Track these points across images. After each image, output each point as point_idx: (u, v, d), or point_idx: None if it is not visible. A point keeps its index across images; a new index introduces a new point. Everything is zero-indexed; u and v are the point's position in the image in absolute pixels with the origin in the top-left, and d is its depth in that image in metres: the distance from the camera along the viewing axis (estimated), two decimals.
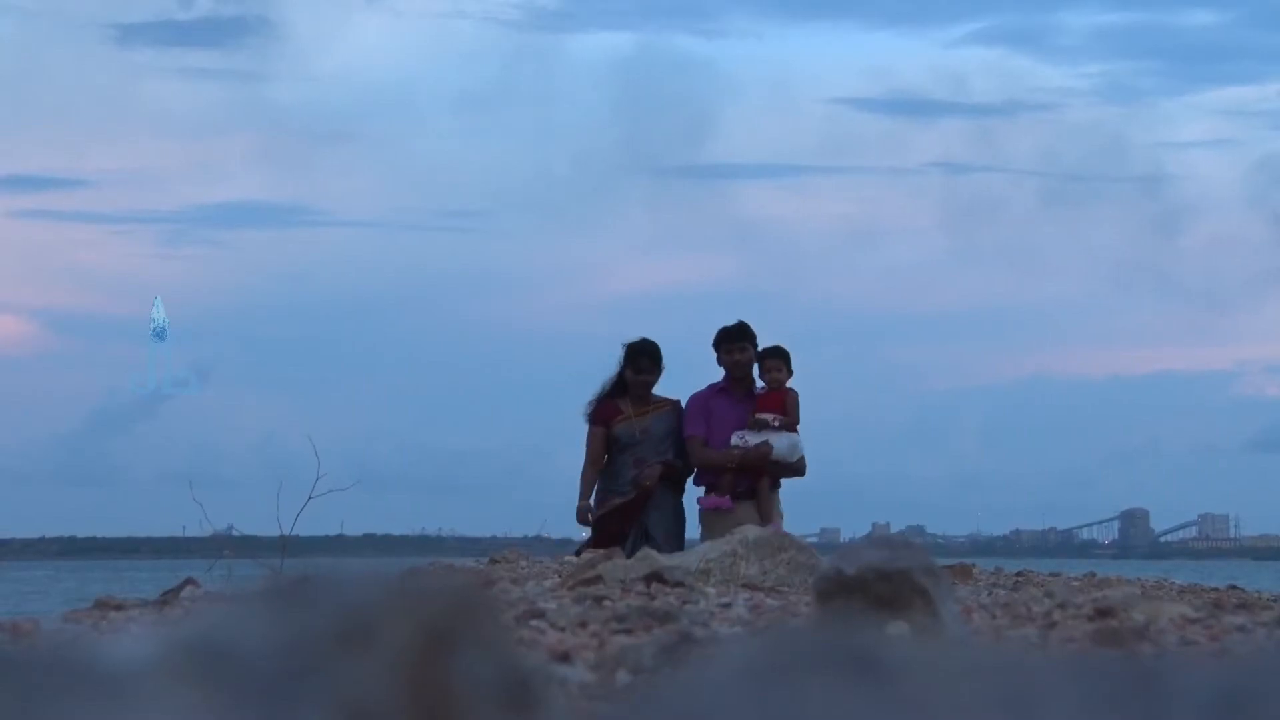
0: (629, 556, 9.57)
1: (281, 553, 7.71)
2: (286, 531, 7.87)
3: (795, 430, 10.91)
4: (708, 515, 10.68)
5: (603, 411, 11.26)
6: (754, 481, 10.80)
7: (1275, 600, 5.00)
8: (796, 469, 11.01)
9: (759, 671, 0.96)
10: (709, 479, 10.85)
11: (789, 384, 11.04)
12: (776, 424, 10.75)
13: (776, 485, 10.96)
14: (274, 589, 0.95)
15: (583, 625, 3.23)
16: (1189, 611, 3.56)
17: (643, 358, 11.08)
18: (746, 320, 11.38)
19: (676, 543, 10.64)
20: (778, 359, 10.91)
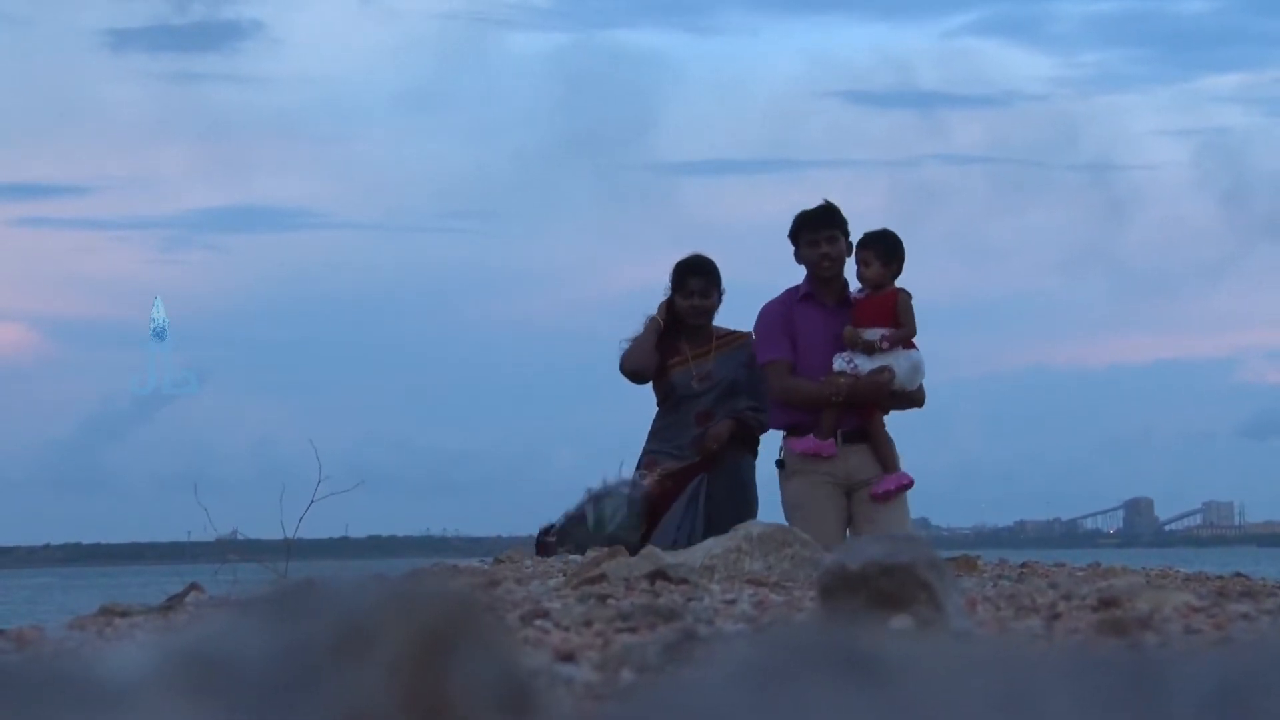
0: (679, 527, 7.85)
1: (286, 557, 7.71)
2: (290, 535, 7.87)
3: (913, 344, 7.96)
4: (799, 463, 7.95)
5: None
6: (863, 419, 7.90)
7: None
8: (915, 399, 8.07)
9: (761, 670, 0.97)
10: (798, 417, 7.99)
11: (895, 282, 7.95)
12: (885, 344, 7.80)
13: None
14: (271, 596, 0.95)
15: (587, 624, 3.24)
16: (1193, 600, 3.56)
17: (694, 277, 8.33)
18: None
19: (745, 514, 7.94)
20: (868, 249, 7.89)
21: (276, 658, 0.87)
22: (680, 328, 8.41)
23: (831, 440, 7.87)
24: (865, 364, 7.85)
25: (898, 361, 7.86)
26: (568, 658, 2.65)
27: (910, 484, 8.06)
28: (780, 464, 8.12)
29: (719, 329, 8.48)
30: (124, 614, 4.39)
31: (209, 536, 8.53)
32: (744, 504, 8.22)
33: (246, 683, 0.85)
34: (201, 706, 0.82)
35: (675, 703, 0.98)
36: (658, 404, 8.51)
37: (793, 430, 8.01)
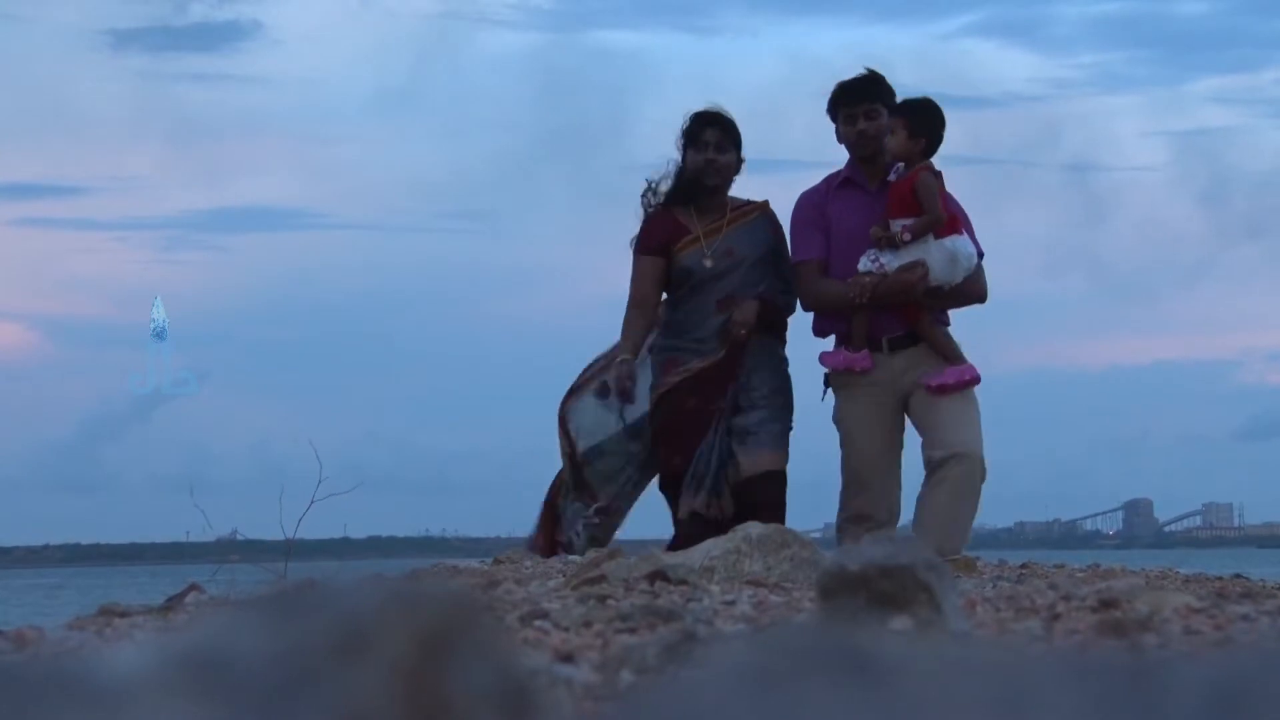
0: (716, 439, 6.85)
1: (286, 557, 7.71)
2: (290, 536, 7.86)
3: (954, 228, 6.87)
4: (840, 381, 7.04)
5: (658, 230, 7.17)
6: (908, 322, 6.93)
7: (1279, 588, 4.99)
8: (969, 293, 7.04)
9: (760, 672, 0.96)
10: (838, 324, 7.05)
11: (916, 158, 6.86)
12: (907, 236, 6.74)
13: (942, 320, 7.09)
14: (270, 597, 0.95)
15: (587, 625, 3.24)
16: (1193, 601, 3.56)
17: (710, 128, 7.13)
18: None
19: (782, 401, 7.12)
20: (896, 117, 6.88)
21: (276, 659, 0.87)
22: (691, 195, 7.18)
23: (865, 352, 6.92)
24: (894, 261, 6.83)
25: (929, 253, 6.83)
26: (567, 658, 2.65)
27: (976, 380, 7.02)
28: (827, 379, 7.20)
29: (734, 200, 7.26)
30: (123, 614, 4.39)
31: (209, 537, 8.52)
32: (782, 381, 7.19)
33: (246, 683, 0.85)
34: (201, 707, 0.82)
35: (674, 704, 0.98)
36: (668, 292, 7.25)
37: (837, 340, 7.09)
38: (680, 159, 7.25)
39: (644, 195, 7.33)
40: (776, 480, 7.15)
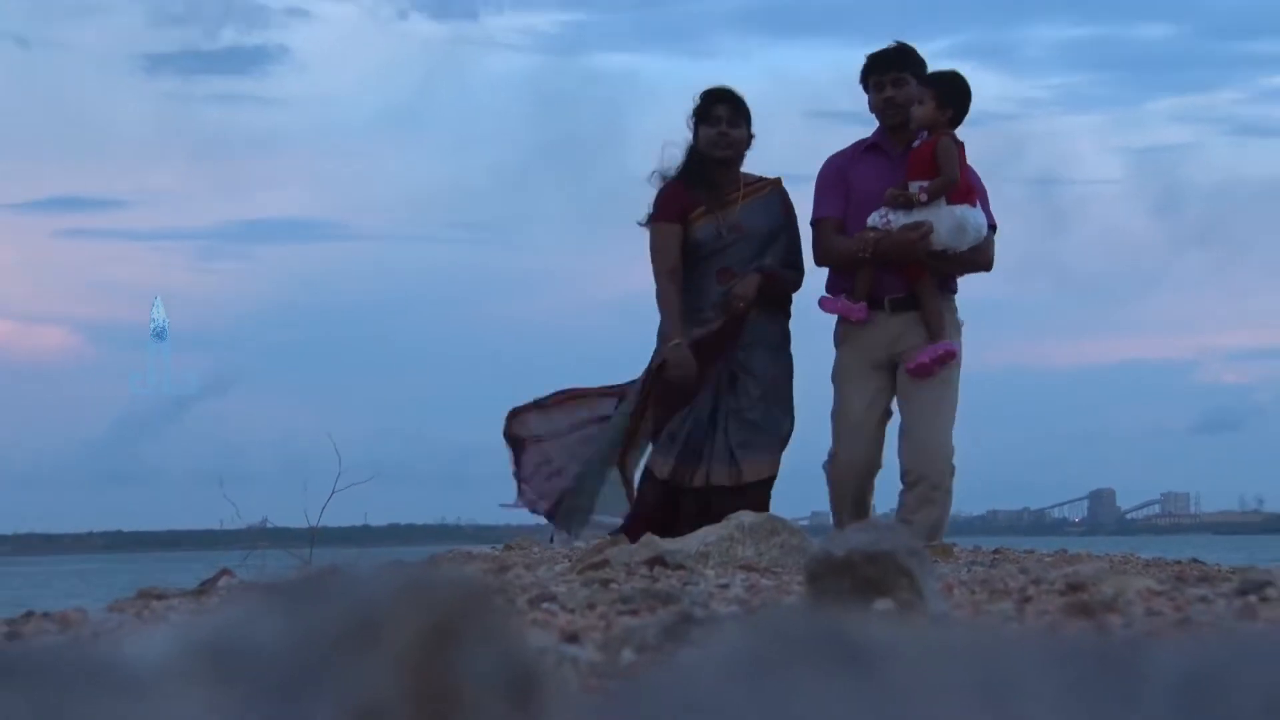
0: (711, 410, 6.66)
1: (311, 544, 7.70)
2: (314, 524, 7.85)
3: (967, 198, 6.68)
4: (845, 332, 6.83)
5: (673, 201, 6.84)
6: (910, 284, 6.73)
7: (1234, 572, 4.98)
8: (973, 262, 6.86)
9: (751, 655, 0.96)
10: (847, 281, 6.82)
11: (942, 128, 6.70)
12: (923, 196, 6.53)
13: (949, 287, 6.92)
14: (290, 584, 0.94)
15: (591, 607, 3.23)
16: (1154, 584, 3.55)
17: (721, 104, 6.83)
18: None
19: (783, 391, 6.88)
20: (926, 87, 6.73)
21: (292, 647, 0.86)
22: (703, 171, 6.85)
23: (862, 305, 6.69)
24: (900, 220, 6.61)
25: (938, 217, 6.59)
26: (572, 639, 2.64)
27: (952, 355, 6.78)
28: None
29: (747, 175, 6.96)
30: (160, 597, 4.38)
31: (240, 525, 8.47)
32: (783, 362, 6.92)
33: (260, 672, 0.84)
34: (218, 695, 0.81)
35: (671, 685, 0.97)
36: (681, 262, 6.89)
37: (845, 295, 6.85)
38: (692, 137, 6.95)
39: (653, 175, 7.02)
40: (767, 485, 7.04)
